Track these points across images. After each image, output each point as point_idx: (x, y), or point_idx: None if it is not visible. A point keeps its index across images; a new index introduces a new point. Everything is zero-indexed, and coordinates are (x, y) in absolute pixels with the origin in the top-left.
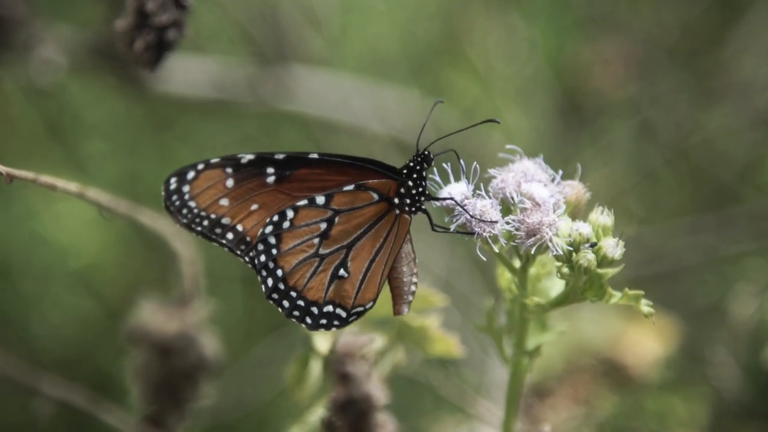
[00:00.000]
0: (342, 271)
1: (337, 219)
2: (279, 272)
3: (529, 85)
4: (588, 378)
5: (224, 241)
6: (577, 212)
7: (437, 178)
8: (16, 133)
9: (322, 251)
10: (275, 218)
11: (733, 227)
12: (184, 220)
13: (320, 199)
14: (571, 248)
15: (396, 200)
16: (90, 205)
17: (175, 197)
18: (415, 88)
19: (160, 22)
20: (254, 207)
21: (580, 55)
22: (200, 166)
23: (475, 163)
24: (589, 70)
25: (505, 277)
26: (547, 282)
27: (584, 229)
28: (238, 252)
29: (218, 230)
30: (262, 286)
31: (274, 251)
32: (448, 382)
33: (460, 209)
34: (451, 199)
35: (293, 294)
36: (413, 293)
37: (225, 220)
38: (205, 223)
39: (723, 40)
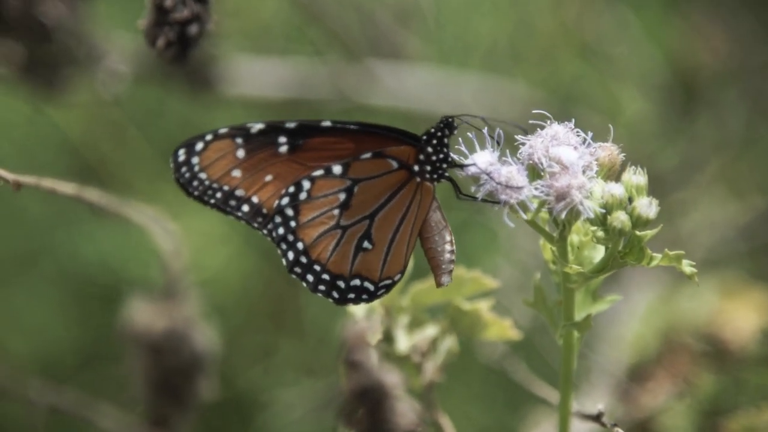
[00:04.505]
0: (366, 243)
1: (356, 189)
2: (300, 245)
3: (638, 65)
4: (686, 356)
5: (240, 214)
6: (612, 174)
7: (463, 148)
8: (136, 156)
9: (343, 222)
10: (291, 189)
11: None
12: (196, 192)
13: (337, 169)
14: (604, 210)
15: (416, 167)
16: (211, 221)
17: (184, 169)
18: (521, 78)
19: (180, 18)
20: (268, 178)
21: (684, 32)
22: (208, 137)
23: (498, 129)
24: (696, 45)
25: (548, 249)
26: (591, 251)
27: (616, 189)
28: (255, 225)
29: (233, 202)
30: (283, 260)
31: (293, 223)
32: (520, 368)
33: (486, 177)
34: (474, 165)
35: (317, 267)
36: (452, 261)
37: (239, 192)
38: (218, 195)
39: None
